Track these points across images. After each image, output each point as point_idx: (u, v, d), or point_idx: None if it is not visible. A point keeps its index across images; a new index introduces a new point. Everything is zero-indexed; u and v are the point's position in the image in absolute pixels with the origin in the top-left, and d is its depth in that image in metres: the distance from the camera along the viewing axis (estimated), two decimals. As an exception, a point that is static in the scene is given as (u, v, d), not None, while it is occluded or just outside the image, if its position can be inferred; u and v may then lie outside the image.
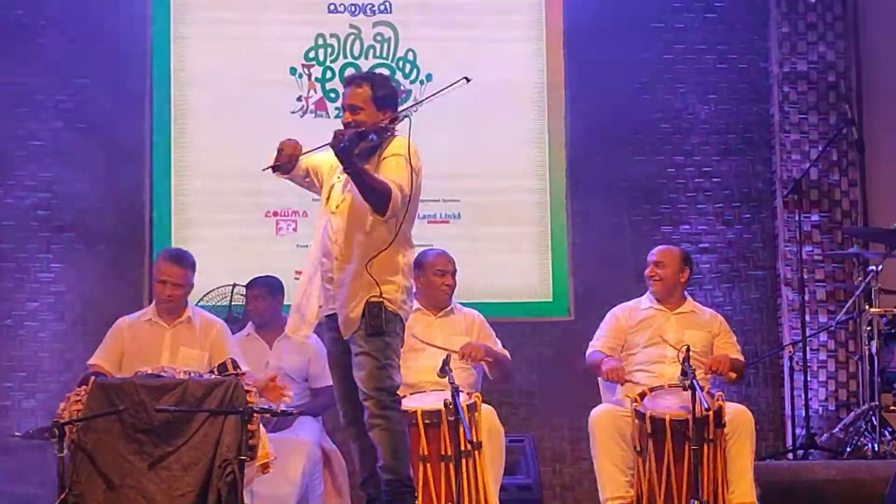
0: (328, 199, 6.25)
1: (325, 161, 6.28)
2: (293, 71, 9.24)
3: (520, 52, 9.37)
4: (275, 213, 9.14)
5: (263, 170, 6.15)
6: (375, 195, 5.98)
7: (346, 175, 6.06)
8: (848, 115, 8.98)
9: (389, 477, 6.07)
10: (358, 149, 5.98)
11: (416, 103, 6.05)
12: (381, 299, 6.03)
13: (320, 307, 6.24)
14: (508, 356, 7.58)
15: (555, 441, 9.07)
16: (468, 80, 6.04)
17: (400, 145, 6.11)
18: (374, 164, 6.09)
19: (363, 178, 5.96)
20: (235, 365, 6.63)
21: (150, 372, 6.61)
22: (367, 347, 6.05)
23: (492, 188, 9.22)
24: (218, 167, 9.14)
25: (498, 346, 7.56)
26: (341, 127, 6.05)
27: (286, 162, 6.07)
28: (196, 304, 7.91)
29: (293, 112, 9.21)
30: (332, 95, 9.21)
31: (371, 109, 6.18)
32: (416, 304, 7.50)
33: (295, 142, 6.10)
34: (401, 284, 6.14)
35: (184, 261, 7.44)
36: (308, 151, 6.13)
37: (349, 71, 6.14)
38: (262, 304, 7.97)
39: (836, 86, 9.41)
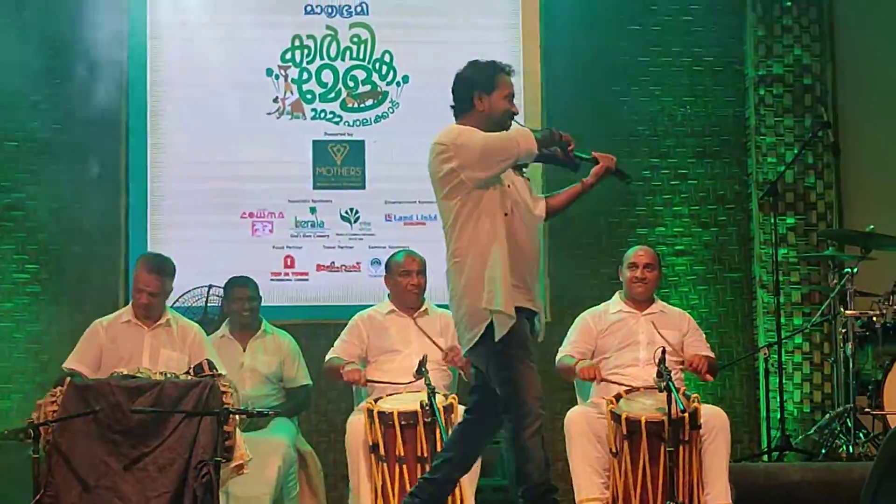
0: (513, 192, 6.01)
1: None
2: (269, 72, 9.23)
3: (496, 55, 9.29)
4: (251, 215, 9.13)
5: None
6: None
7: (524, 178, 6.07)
8: (823, 118, 9.01)
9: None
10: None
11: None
12: None
13: None
14: None
15: (530, 442, 9.05)
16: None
17: None
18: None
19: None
20: (212, 366, 6.62)
21: (126, 373, 6.61)
22: None
23: (469, 190, 9.21)
24: (194, 168, 9.12)
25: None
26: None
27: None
28: (171, 306, 7.90)
29: (269, 113, 9.20)
30: (309, 97, 9.21)
31: None
32: (390, 306, 7.53)
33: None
34: None
35: (162, 270, 7.41)
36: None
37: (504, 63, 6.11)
38: (247, 304, 7.96)
39: (812, 88, 9.45)
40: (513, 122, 6.05)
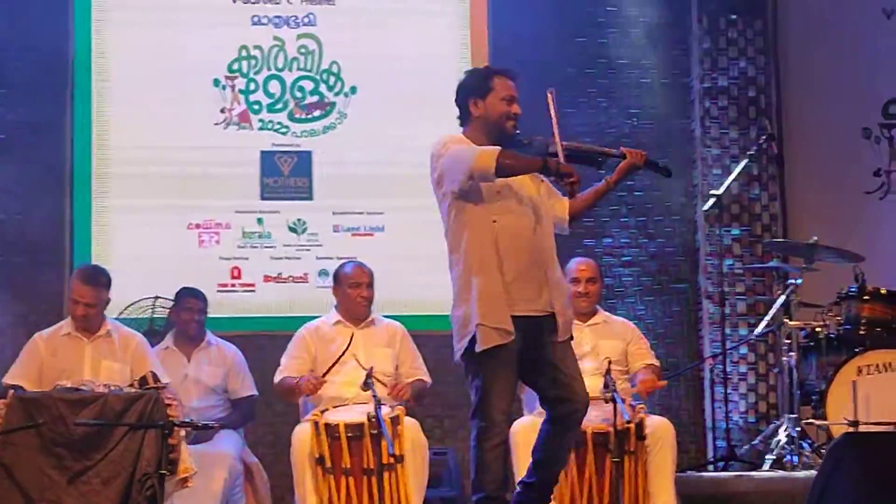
0: (511, 194, 5.97)
1: None
2: (217, 83, 9.20)
3: (445, 63, 9.38)
4: (197, 226, 9.10)
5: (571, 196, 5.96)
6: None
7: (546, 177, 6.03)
8: (768, 130, 9.07)
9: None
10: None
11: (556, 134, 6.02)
12: None
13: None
14: (427, 380, 7.58)
15: (478, 454, 9.06)
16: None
17: None
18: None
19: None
20: (156, 378, 6.60)
21: (69, 386, 6.57)
22: (573, 352, 6.02)
23: (416, 202, 9.18)
24: (140, 179, 9.08)
25: (419, 364, 7.57)
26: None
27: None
28: (117, 317, 7.87)
29: (216, 124, 9.17)
30: (256, 107, 9.19)
31: None
32: (337, 317, 7.52)
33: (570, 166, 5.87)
34: None
35: (96, 280, 7.37)
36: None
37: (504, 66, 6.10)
38: (194, 315, 7.93)
39: (757, 101, 9.51)
40: (512, 124, 6.02)
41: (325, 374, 7.16)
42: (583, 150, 6.10)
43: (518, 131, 6.04)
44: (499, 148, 5.85)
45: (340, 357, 7.18)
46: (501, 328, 5.79)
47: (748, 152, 9.13)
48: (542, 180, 6.08)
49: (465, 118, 6.11)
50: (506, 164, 5.78)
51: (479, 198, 5.91)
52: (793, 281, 8.09)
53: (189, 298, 8.00)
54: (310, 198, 9.20)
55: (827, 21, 9.58)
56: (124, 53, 9.17)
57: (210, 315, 8.23)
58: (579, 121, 9.39)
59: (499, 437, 5.81)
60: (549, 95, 6.00)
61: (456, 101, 6.15)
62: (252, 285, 9.10)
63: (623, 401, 6.81)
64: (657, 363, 7.63)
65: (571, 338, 6.03)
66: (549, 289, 5.92)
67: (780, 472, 7.73)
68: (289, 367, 7.41)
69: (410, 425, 6.98)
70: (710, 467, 8.33)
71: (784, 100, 9.58)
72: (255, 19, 9.30)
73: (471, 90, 6.08)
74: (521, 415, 7.38)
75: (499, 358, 5.81)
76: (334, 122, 9.29)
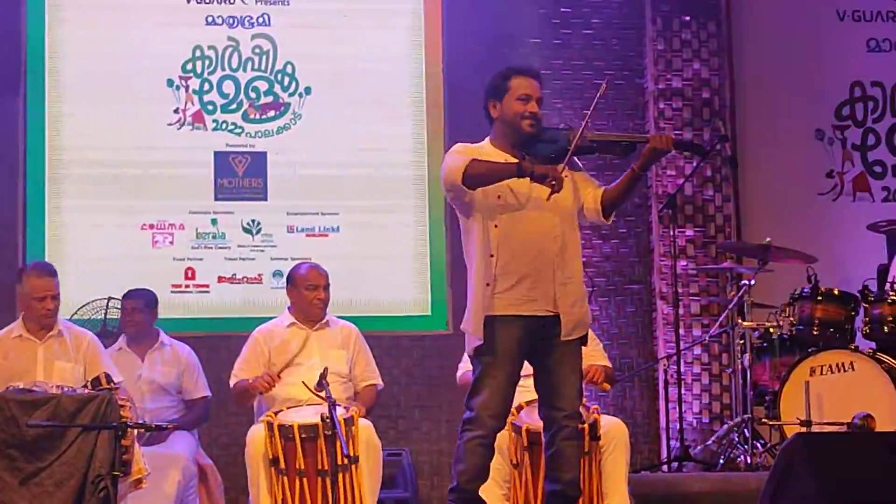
0: (510, 194, 5.90)
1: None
2: (170, 83, 9.17)
3: (400, 64, 9.39)
4: (151, 226, 9.06)
5: (549, 198, 5.78)
6: (629, 199, 6.14)
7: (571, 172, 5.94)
8: (721, 132, 9.11)
9: (576, 494, 5.98)
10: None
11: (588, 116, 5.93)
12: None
13: None
14: (379, 384, 7.57)
15: (433, 454, 9.08)
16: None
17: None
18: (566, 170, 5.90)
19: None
20: (109, 379, 6.56)
21: (21, 387, 6.53)
22: (580, 359, 5.97)
23: (371, 203, 9.21)
24: (94, 179, 9.04)
25: (372, 368, 7.55)
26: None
27: (559, 189, 5.78)
28: (70, 318, 7.83)
29: (170, 124, 9.14)
30: (210, 108, 9.16)
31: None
32: (291, 318, 7.50)
33: (554, 168, 5.75)
34: None
35: (54, 271, 7.33)
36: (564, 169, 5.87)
37: (527, 64, 6.08)
38: (138, 316, 7.91)
39: (710, 102, 9.54)
40: (528, 123, 5.93)
41: (279, 373, 7.15)
42: (607, 139, 6.03)
43: (533, 129, 5.92)
44: (469, 159, 5.86)
45: (298, 354, 7.16)
46: (473, 334, 5.87)
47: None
48: (568, 174, 5.94)
49: (489, 121, 6.10)
50: (473, 175, 5.81)
51: (480, 205, 5.92)
52: (746, 282, 8.13)
53: (124, 300, 7.97)
54: (264, 198, 9.18)
55: (780, 23, 9.63)
56: (78, 53, 9.13)
57: (164, 316, 8.20)
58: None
59: (479, 432, 5.83)
60: (602, 85, 5.95)
61: (483, 105, 6.11)
62: (206, 286, 9.07)
63: (578, 401, 6.82)
64: (610, 365, 7.64)
65: (584, 343, 6.00)
66: (554, 288, 5.89)
67: (734, 472, 7.78)
68: (243, 371, 7.39)
69: (365, 426, 6.96)
70: (665, 467, 8.35)
71: (737, 101, 9.62)
72: (210, 19, 9.26)
73: (489, 93, 6.06)
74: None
75: (493, 362, 5.85)
76: (289, 122, 9.27)
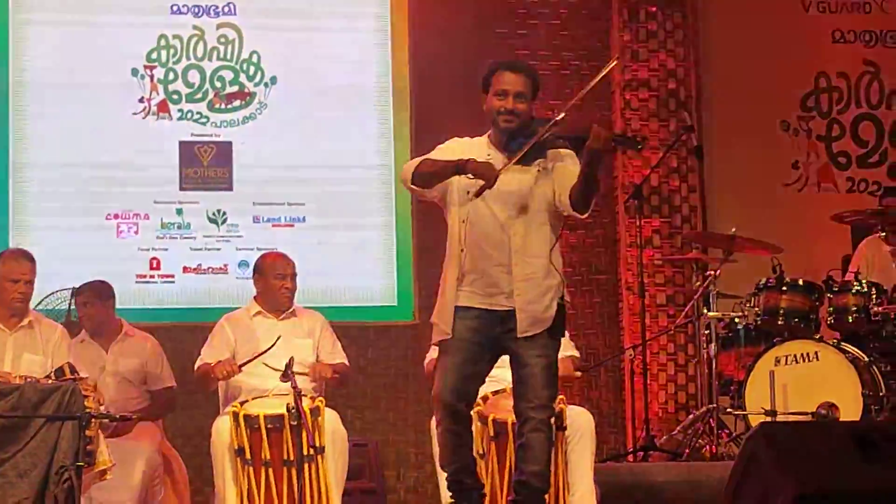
0: (490, 195, 5.85)
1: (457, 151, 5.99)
2: (135, 72, 9.13)
3: (366, 54, 9.38)
4: (116, 216, 9.03)
5: (472, 195, 5.77)
6: (593, 193, 5.84)
7: (520, 164, 5.82)
8: (687, 122, 9.14)
9: (542, 486, 5.92)
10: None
11: (577, 99, 5.87)
12: (563, 301, 5.95)
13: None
14: (347, 363, 7.56)
15: (399, 445, 9.08)
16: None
17: (568, 150, 5.89)
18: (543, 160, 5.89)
19: (597, 176, 5.83)
20: (73, 370, 6.52)
21: (-16, 377, 6.50)
22: (550, 351, 5.89)
23: (337, 192, 9.20)
24: (58, 169, 9.01)
25: (337, 349, 7.54)
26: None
27: (492, 185, 5.75)
28: (34, 308, 7.77)
29: (135, 113, 9.10)
30: (175, 97, 9.13)
31: (529, 100, 5.94)
32: (257, 307, 7.48)
33: (489, 163, 5.75)
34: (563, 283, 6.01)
35: (30, 255, 7.28)
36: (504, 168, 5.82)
37: (508, 59, 6.02)
38: (90, 310, 7.86)
39: (676, 93, 9.57)
40: (504, 119, 5.87)
41: (241, 365, 7.11)
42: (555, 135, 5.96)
43: (509, 125, 5.86)
44: (423, 160, 5.93)
45: (264, 353, 7.13)
46: (441, 327, 5.91)
47: (668, 144, 9.20)
48: (544, 168, 5.92)
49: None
50: (421, 175, 5.91)
51: (452, 201, 5.95)
52: (712, 272, 8.16)
53: (84, 294, 7.91)
54: (230, 188, 9.16)
55: (746, 14, 9.66)
56: (41, 41, 9.07)
57: (129, 306, 8.19)
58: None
59: (439, 416, 5.92)
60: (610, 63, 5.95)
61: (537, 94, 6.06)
62: (171, 276, 9.05)
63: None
64: (577, 354, 7.66)
65: (553, 336, 5.94)
66: (513, 284, 5.87)
67: (699, 462, 7.80)
68: (208, 355, 7.36)
69: (330, 416, 6.95)
70: (630, 457, 8.38)
71: (703, 92, 9.65)
72: (175, 8, 9.23)
73: (481, 87, 6.02)
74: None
75: (448, 349, 5.91)
76: (254, 112, 9.25)
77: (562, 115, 5.83)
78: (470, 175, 5.79)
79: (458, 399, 5.92)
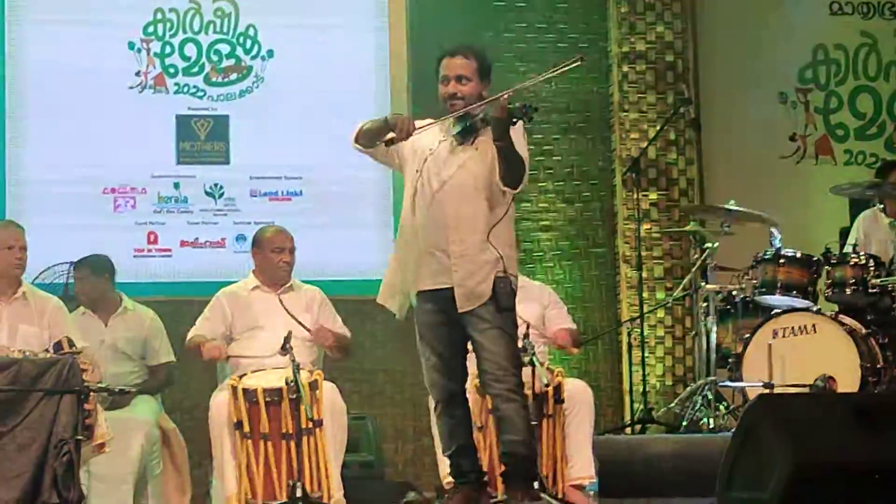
0: (424, 170, 6.00)
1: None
2: (131, 46, 9.11)
3: (362, 29, 9.35)
4: (112, 190, 9.01)
5: (381, 142, 5.95)
6: (517, 169, 5.86)
7: (461, 145, 5.93)
8: (685, 95, 9.13)
9: (525, 453, 5.93)
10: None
11: (532, 82, 5.93)
12: (506, 274, 5.91)
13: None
14: (348, 335, 7.57)
15: (396, 418, 9.10)
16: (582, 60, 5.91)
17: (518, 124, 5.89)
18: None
19: (513, 151, 5.83)
20: (71, 343, 6.52)
21: (-17, 352, 6.50)
22: (500, 322, 5.88)
23: (333, 165, 9.18)
24: (55, 143, 8.98)
25: (338, 323, 7.54)
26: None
27: (403, 138, 5.87)
28: (32, 282, 7.76)
29: (131, 87, 9.09)
30: (171, 70, 9.11)
31: (476, 81, 6.01)
32: (255, 282, 7.47)
33: (408, 117, 5.93)
34: (512, 257, 6.03)
35: (21, 227, 7.27)
36: (422, 127, 5.90)
37: (448, 45, 6.04)
38: (87, 285, 7.86)
39: (674, 65, 9.55)
40: (449, 104, 5.98)
41: (228, 357, 7.13)
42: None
43: (457, 108, 5.93)
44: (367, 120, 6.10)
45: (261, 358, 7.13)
46: (387, 307, 6.11)
47: (666, 117, 9.20)
48: (479, 148, 5.98)
49: None
50: (360, 134, 6.12)
51: (406, 174, 6.07)
52: (709, 245, 8.15)
53: (80, 269, 7.93)
54: (227, 162, 9.15)
55: (743, -15, 9.64)
56: (38, 15, 9.04)
57: (126, 281, 8.17)
58: (497, 86, 9.30)
59: (433, 404, 6.07)
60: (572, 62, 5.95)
61: (489, 73, 6.12)
62: (168, 250, 9.04)
63: (541, 364, 6.83)
64: (575, 327, 7.66)
65: (500, 308, 5.93)
66: (451, 261, 5.91)
67: (697, 434, 7.80)
68: (201, 327, 7.36)
69: (329, 389, 6.96)
70: (628, 430, 8.38)
71: (701, 65, 9.63)
72: (171, -19, 9.21)
73: None
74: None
75: (419, 338, 6.07)
76: (251, 85, 9.23)
77: (503, 94, 5.82)
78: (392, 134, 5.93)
79: (443, 388, 6.01)
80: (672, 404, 8.43)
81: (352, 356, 7.72)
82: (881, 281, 7.91)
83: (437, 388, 6.03)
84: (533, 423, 6.71)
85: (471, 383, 6.62)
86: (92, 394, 6.32)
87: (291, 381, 6.62)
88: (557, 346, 7.41)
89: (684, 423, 8.01)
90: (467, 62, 6.01)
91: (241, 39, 9.23)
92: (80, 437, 6.24)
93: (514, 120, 5.78)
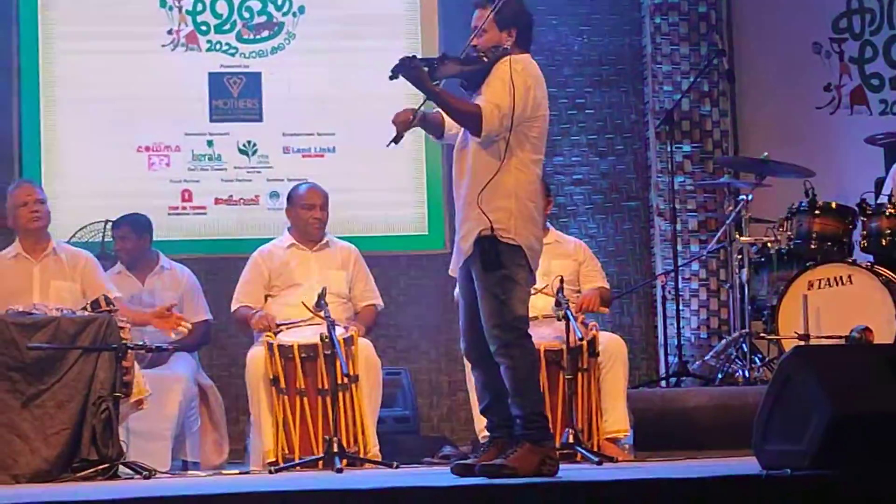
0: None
1: None
2: (163, 3, 9.10)
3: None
4: (147, 148, 9.03)
5: (387, 145, 5.89)
6: (463, 116, 5.75)
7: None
8: (718, 46, 9.08)
9: (517, 412, 5.72)
10: (443, 73, 5.75)
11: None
12: (491, 233, 5.66)
13: None
14: (378, 304, 7.56)
15: (431, 373, 9.12)
16: None
17: (503, 68, 5.71)
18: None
19: (441, 100, 5.77)
20: (108, 301, 6.57)
21: (21, 310, 6.55)
22: (485, 282, 5.67)
23: (366, 122, 9.15)
24: (89, 102, 8.99)
25: (371, 283, 7.55)
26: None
27: (403, 131, 5.85)
28: (68, 241, 7.81)
29: (164, 45, 9.08)
30: (203, 28, 9.10)
31: (494, 31, 5.81)
32: (291, 240, 7.50)
33: (406, 111, 5.87)
34: (513, 210, 5.69)
35: (36, 182, 7.33)
36: (418, 110, 5.86)
37: None
38: (128, 243, 7.92)
39: (707, 17, 9.48)
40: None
41: (278, 327, 7.11)
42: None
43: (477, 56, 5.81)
44: None
45: (302, 322, 7.12)
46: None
47: (699, 68, 9.15)
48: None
49: None
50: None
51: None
52: (744, 197, 8.12)
53: (121, 227, 7.99)
54: (259, 119, 9.14)
55: (777, -65, 9.56)
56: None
57: (161, 238, 8.20)
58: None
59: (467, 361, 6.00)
60: None
61: (511, 20, 5.90)
62: (203, 208, 9.06)
63: (576, 318, 6.84)
64: (607, 286, 7.66)
65: (486, 268, 5.68)
66: (461, 218, 5.82)
67: (732, 387, 7.81)
68: (244, 293, 7.40)
69: (364, 345, 7.00)
70: (663, 383, 8.39)
71: (734, 15, 9.56)
72: (201, -63, 9.20)
73: None
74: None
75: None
76: (283, 42, 9.21)
77: (471, 43, 5.77)
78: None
79: (473, 346, 5.85)
80: (707, 357, 8.43)
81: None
82: (917, 231, 7.87)
83: (466, 346, 5.91)
84: (568, 377, 6.74)
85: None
86: (129, 351, 6.37)
87: (326, 338, 6.65)
88: (587, 310, 7.37)
89: (719, 376, 8.02)
90: (482, 12, 5.82)
91: (273, -5, 9.22)
92: (118, 394, 6.31)
93: (393, 76, 5.77)
